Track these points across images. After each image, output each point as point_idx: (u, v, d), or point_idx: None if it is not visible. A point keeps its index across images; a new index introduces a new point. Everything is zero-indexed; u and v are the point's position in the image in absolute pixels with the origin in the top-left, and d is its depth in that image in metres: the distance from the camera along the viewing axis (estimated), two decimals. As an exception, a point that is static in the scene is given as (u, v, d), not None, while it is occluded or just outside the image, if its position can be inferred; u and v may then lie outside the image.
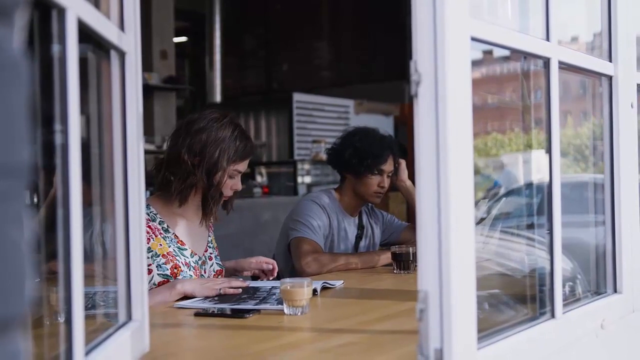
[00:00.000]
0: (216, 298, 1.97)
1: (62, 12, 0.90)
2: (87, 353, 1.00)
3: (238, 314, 1.76)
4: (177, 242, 2.17)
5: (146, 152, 5.18)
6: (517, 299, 1.56)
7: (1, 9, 0.59)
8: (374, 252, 2.78)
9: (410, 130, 1.12)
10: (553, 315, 1.42)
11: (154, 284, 2.07)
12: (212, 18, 8.98)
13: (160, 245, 2.12)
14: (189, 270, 2.16)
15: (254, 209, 5.78)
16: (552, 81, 1.42)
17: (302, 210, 2.74)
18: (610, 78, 1.71)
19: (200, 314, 1.80)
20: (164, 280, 2.09)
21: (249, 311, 1.77)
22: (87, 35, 1.03)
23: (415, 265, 1.10)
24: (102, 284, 1.32)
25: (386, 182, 2.81)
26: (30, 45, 0.88)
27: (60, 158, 0.91)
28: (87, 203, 1.09)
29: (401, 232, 3.00)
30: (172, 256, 2.13)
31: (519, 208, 1.99)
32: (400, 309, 1.85)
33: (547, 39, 1.42)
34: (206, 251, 2.28)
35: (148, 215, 2.13)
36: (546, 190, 1.44)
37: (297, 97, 7.70)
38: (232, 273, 2.34)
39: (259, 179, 7.35)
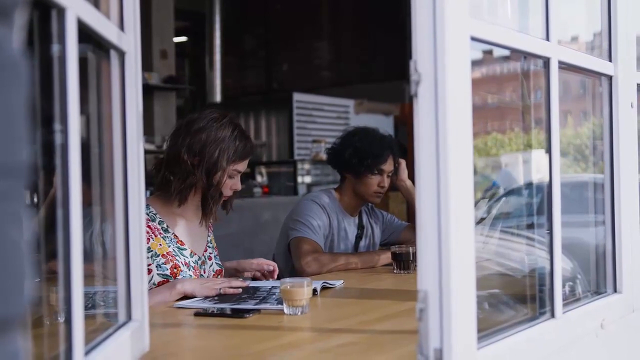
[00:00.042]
0: (216, 298, 1.97)
1: (61, 12, 0.90)
2: (87, 353, 1.00)
3: (238, 313, 1.76)
4: (177, 242, 2.17)
5: (146, 152, 5.20)
6: (517, 298, 1.56)
7: (0, 8, 0.59)
8: (374, 252, 2.78)
9: (411, 130, 1.12)
10: (553, 315, 1.42)
11: (154, 283, 2.07)
12: (212, 18, 8.97)
13: (160, 245, 2.12)
14: (189, 270, 2.16)
15: (254, 209, 5.78)
16: (552, 81, 1.42)
17: (302, 210, 2.74)
18: (610, 78, 1.71)
19: (200, 313, 1.80)
20: (163, 280, 2.09)
21: (248, 311, 1.77)
22: (86, 35, 1.03)
23: (415, 265, 1.10)
24: (102, 284, 1.32)
25: (386, 182, 2.81)
26: (30, 45, 0.88)
27: (60, 158, 0.91)
28: (87, 203, 1.09)
29: (401, 232, 3.00)
30: (171, 256, 2.13)
31: (519, 208, 1.99)
32: (400, 308, 1.85)
33: (547, 38, 1.42)
34: (205, 251, 2.28)
35: (147, 215, 2.13)
36: (546, 190, 1.44)
37: (297, 97, 7.70)
38: (232, 273, 2.34)
39: (259, 178, 7.35)
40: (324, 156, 6.00)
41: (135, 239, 1.28)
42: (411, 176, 2.85)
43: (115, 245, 1.26)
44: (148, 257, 2.07)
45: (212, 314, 1.79)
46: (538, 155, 1.52)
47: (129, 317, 1.28)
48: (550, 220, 1.43)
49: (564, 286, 1.51)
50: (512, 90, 1.76)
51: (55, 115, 0.92)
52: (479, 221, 1.76)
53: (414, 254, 2.44)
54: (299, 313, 1.74)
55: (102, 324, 1.27)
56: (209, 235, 2.32)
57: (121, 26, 1.25)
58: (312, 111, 7.78)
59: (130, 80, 1.27)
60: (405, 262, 2.48)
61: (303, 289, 1.74)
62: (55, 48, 0.92)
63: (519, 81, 1.60)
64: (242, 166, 2.21)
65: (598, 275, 1.76)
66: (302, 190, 7.05)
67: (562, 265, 1.46)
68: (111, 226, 1.27)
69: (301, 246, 2.63)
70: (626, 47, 1.73)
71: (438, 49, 1.07)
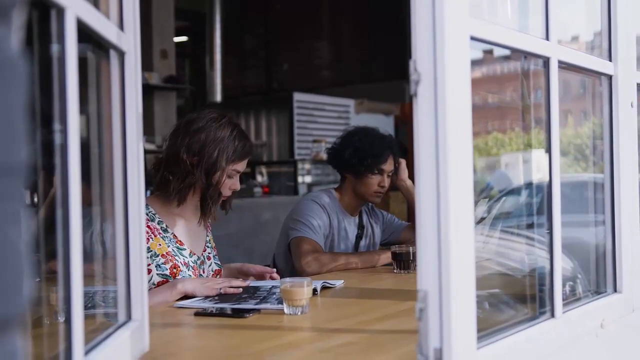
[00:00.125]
0: (216, 297, 1.97)
1: (61, 11, 0.90)
2: (87, 353, 1.00)
3: (238, 313, 1.76)
4: (176, 242, 2.17)
5: (146, 151, 5.20)
6: (517, 298, 1.56)
7: (-1, 8, 0.59)
8: (374, 252, 2.78)
9: (411, 129, 1.12)
10: (553, 315, 1.42)
11: (153, 283, 2.07)
12: (213, 18, 8.97)
13: (160, 245, 2.12)
14: (188, 270, 2.16)
15: (255, 209, 5.78)
16: (551, 80, 1.42)
17: (302, 210, 2.74)
18: (610, 77, 1.71)
19: (200, 313, 1.80)
20: (163, 280, 2.09)
21: (248, 311, 1.77)
22: (86, 34, 1.03)
23: (415, 265, 1.09)
24: (102, 284, 1.32)
25: (386, 182, 2.81)
26: (30, 45, 0.88)
27: (60, 158, 0.91)
28: (86, 203, 1.09)
29: (401, 231, 3.00)
30: (171, 256, 2.13)
31: (519, 208, 1.99)
32: (400, 308, 1.85)
33: (547, 38, 1.42)
34: (204, 251, 2.28)
35: (147, 215, 2.13)
36: (546, 190, 1.44)
37: (298, 96, 7.70)
38: (235, 274, 2.34)
39: (259, 178, 7.35)
40: (324, 156, 6.00)
41: (135, 239, 1.28)
42: (411, 176, 2.85)
43: (115, 245, 1.26)
44: (148, 257, 2.07)
45: (212, 314, 1.79)
46: (538, 155, 1.52)
47: (128, 316, 1.28)
48: (550, 220, 1.42)
49: (564, 286, 1.51)
50: (512, 90, 1.76)
51: (54, 115, 0.92)
52: (479, 221, 1.76)
53: (414, 254, 2.44)
54: (299, 313, 1.74)
55: (102, 324, 1.27)
56: (207, 235, 2.32)
57: (121, 26, 1.25)
58: (312, 111, 7.77)
59: (130, 80, 1.27)
60: (405, 261, 2.48)
61: (303, 288, 1.74)
62: (54, 48, 0.92)
63: (519, 81, 1.60)
64: (241, 166, 2.21)
65: (598, 275, 1.76)
66: (302, 190, 7.05)
67: (562, 265, 1.45)
68: (111, 226, 1.27)
69: (301, 246, 2.63)
70: (626, 47, 1.73)
71: (438, 48, 1.07)
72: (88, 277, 1.11)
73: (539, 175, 1.55)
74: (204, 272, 2.25)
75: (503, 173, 1.81)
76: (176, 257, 2.14)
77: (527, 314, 1.46)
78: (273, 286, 2.10)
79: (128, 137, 1.26)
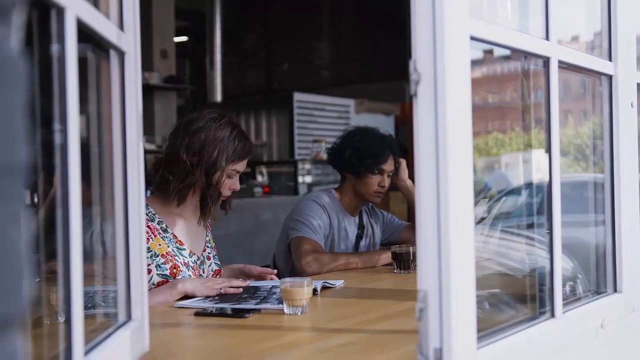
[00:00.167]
0: (217, 297, 1.97)
1: (61, 11, 0.90)
2: (87, 353, 1.00)
3: (238, 313, 1.76)
4: (176, 242, 2.17)
5: (147, 151, 5.20)
6: (517, 298, 1.56)
7: (-1, 8, 0.59)
8: (374, 252, 2.78)
9: (411, 129, 1.12)
10: (553, 315, 1.41)
11: (153, 284, 2.07)
12: (213, 17, 8.97)
13: (160, 245, 2.12)
14: (188, 270, 2.16)
15: (255, 209, 5.78)
16: (551, 80, 1.42)
17: (302, 210, 2.74)
18: (610, 77, 1.71)
19: (200, 313, 1.80)
20: (163, 280, 2.09)
21: (249, 311, 1.77)
22: (86, 34, 1.03)
23: (416, 265, 1.09)
24: (102, 284, 1.32)
25: (386, 182, 2.81)
26: (30, 45, 0.88)
27: (60, 158, 0.91)
28: (86, 203, 1.09)
29: (401, 231, 3.00)
30: (171, 256, 2.13)
31: (519, 207, 1.99)
32: (400, 308, 1.85)
33: (547, 38, 1.42)
34: (204, 251, 2.28)
35: (147, 215, 2.13)
36: (546, 190, 1.44)
37: (298, 96, 7.70)
38: (237, 275, 2.34)
39: (259, 178, 7.35)
40: (324, 156, 6.00)
41: (135, 239, 1.28)
42: (411, 176, 2.85)
43: (115, 245, 1.26)
44: (147, 257, 2.07)
45: (212, 314, 1.79)
46: (538, 155, 1.52)
47: (128, 316, 1.28)
48: (551, 219, 1.42)
49: (564, 286, 1.51)
50: (512, 90, 1.76)
51: (54, 115, 0.92)
52: (479, 221, 1.76)
53: (414, 254, 2.44)
54: (299, 313, 1.74)
55: (102, 324, 1.27)
56: (207, 235, 2.32)
57: (121, 26, 1.25)
58: (312, 111, 7.77)
59: (130, 80, 1.27)
60: (405, 261, 2.48)
61: (303, 288, 1.74)
62: (54, 48, 0.92)
63: (520, 81, 1.60)
64: (241, 166, 2.21)
65: (598, 275, 1.76)
66: (302, 190, 7.05)
67: (562, 265, 1.45)
68: (111, 226, 1.27)
69: (301, 246, 2.63)
70: (626, 47, 1.73)
71: (437, 48, 1.07)
72: (88, 277, 1.11)
73: (539, 175, 1.55)
74: (203, 272, 2.24)
75: (501, 173, 1.81)
76: (176, 257, 2.14)
77: (527, 314, 1.46)
78: (273, 286, 2.10)
79: (128, 137, 1.26)
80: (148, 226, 2.11)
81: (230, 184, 2.19)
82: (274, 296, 1.94)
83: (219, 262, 2.34)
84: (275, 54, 10.40)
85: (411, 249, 2.47)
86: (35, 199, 1.16)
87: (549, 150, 1.43)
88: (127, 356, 1.21)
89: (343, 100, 8.01)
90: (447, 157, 1.07)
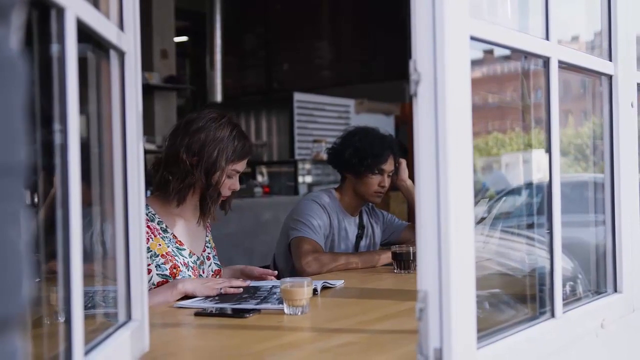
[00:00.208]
0: (217, 298, 1.97)
1: (61, 11, 0.90)
2: (87, 353, 1.00)
3: (238, 313, 1.76)
4: (176, 242, 2.17)
5: (147, 151, 5.20)
6: (517, 298, 1.56)
7: (-1, 8, 0.59)
8: (374, 252, 2.78)
9: (411, 129, 1.12)
10: (553, 315, 1.41)
11: (153, 284, 2.07)
12: (213, 17, 8.97)
13: (159, 245, 2.12)
14: (188, 270, 2.16)
15: (255, 209, 5.78)
16: (551, 80, 1.42)
17: (302, 210, 2.74)
18: (610, 77, 1.71)
19: (200, 313, 1.80)
20: (163, 281, 2.09)
21: (249, 311, 1.77)
22: (86, 35, 1.03)
23: (416, 265, 1.09)
24: (102, 284, 1.32)
25: (386, 182, 2.81)
26: (30, 45, 0.88)
27: (60, 158, 0.91)
28: (86, 203, 1.09)
29: (401, 231, 3.00)
30: (171, 256, 2.13)
31: (519, 208, 1.99)
32: (400, 308, 1.85)
33: (547, 38, 1.42)
34: (204, 251, 2.28)
35: (147, 215, 2.13)
36: (546, 190, 1.44)
37: (298, 96, 7.70)
38: (238, 275, 2.34)
39: (259, 178, 7.35)
40: (324, 156, 6.00)
41: (135, 239, 1.28)
42: (412, 176, 2.85)
43: (115, 245, 1.26)
44: (147, 257, 2.07)
45: (212, 314, 1.79)
46: (538, 155, 1.52)
47: (128, 317, 1.28)
48: (551, 220, 1.42)
49: (564, 286, 1.51)
50: (512, 90, 1.76)
51: (54, 115, 0.92)
52: (479, 221, 1.76)
53: (414, 254, 2.44)
54: (299, 313, 1.74)
55: (102, 324, 1.27)
56: (207, 235, 2.32)
57: (121, 26, 1.25)
58: (312, 111, 7.77)
59: (130, 80, 1.27)
60: (405, 262, 2.48)
61: (303, 288, 1.74)
62: (54, 48, 0.92)
63: (520, 81, 1.60)
64: (241, 166, 2.21)
65: (598, 275, 1.76)
66: (302, 190, 7.05)
67: (562, 265, 1.45)
68: (111, 226, 1.27)
69: (301, 246, 2.63)
70: (626, 47, 1.73)
71: (437, 48, 1.07)
72: (88, 277, 1.11)
73: (539, 175, 1.55)
74: (203, 272, 2.24)
75: (500, 174, 1.81)
76: (176, 258, 2.14)
77: (527, 314, 1.46)
78: (273, 286, 2.10)
79: (128, 137, 1.26)
80: (148, 226, 2.11)
81: (230, 184, 2.19)
82: (274, 296, 1.94)
83: (218, 263, 2.34)
84: (275, 54, 10.40)
85: (411, 249, 2.47)
86: (35, 199, 1.16)
87: (549, 150, 1.43)
88: (127, 356, 1.21)
89: (343, 100, 8.01)
90: (447, 157, 1.07)
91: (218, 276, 2.29)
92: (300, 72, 9.99)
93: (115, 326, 1.23)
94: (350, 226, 2.88)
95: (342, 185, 2.89)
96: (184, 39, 10.25)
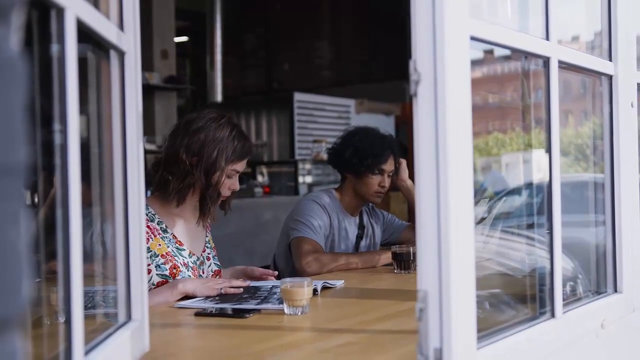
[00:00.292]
0: (217, 298, 1.97)
1: (61, 11, 0.90)
2: (87, 353, 1.00)
3: (238, 313, 1.76)
4: (176, 242, 2.17)
5: (147, 152, 5.20)
6: (517, 298, 1.56)
7: (-1, 9, 0.59)
8: (374, 252, 2.78)
9: (411, 129, 1.12)
10: (553, 315, 1.41)
11: (153, 284, 2.07)
12: (213, 18, 8.97)
13: (159, 245, 2.12)
14: (187, 270, 2.16)
15: (255, 209, 5.78)
16: (551, 80, 1.42)
17: (302, 210, 2.74)
18: (610, 77, 1.71)
19: (200, 313, 1.80)
20: (163, 281, 2.08)
21: (249, 311, 1.76)
22: (86, 35, 1.03)
23: (416, 265, 1.10)
24: (102, 284, 1.32)
25: (387, 182, 2.81)
26: (30, 45, 0.88)
27: (60, 158, 0.91)
28: (86, 203, 1.09)
29: (402, 231, 3.00)
30: (170, 256, 2.13)
31: (519, 208, 1.99)
32: (400, 308, 1.85)
33: (547, 38, 1.42)
34: (204, 251, 2.28)
35: (146, 215, 2.12)
36: (546, 190, 1.44)
37: (298, 96, 7.70)
38: (239, 276, 2.33)
39: (260, 178, 7.35)
40: (324, 156, 6.00)
41: (135, 239, 1.28)
42: (412, 176, 2.85)
43: (115, 245, 1.26)
44: (147, 257, 2.07)
45: (212, 314, 1.79)
46: (539, 155, 1.52)
47: (129, 317, 1.28)
48: (551, 220, 1.42)
49: (564, 286, 1.51)
50: (512, 90, 1.76)
51: (54, 115, 0.92)
52: (480, 221, 1.76)
53: (415, 254, 2.44)
54: (299, 313, 1.74)
55: (102, 324, 1.27)
56: (207, 236, 2.32)
57: (121, 26, 1.25)
58: (312, 111, 7.77)
59: (130, 80, 1.27)
60: (405, 262, 2.48)
61: (303, 289, 1.74)
62: (54, 48, 0.92)
63: (520, 81, 1.60)
64: (241, 166, 2.21)
65: (598, 275, 1.76)
66: (303, 190, 7.05)
67: (562, 265, 1.45)
68: (111, 226, 1.27)
69: (302, 246, 2.63)
70: (626, 47, 1.73)
71: (437, 48, 1.07)
72: (88, 277, 1.11)
73: (539, 175, 1.55)
74: (203, 272, 2.24)
75: (497, 174, 1.81)
76: (176, 258, 2.14)
77: (528, 314, 1.46)
78: (274, 286, 2.10)
79: (128, 137, 1.26)
80: (148, 226, 2.10)
81: (229, 184, 2.19)
82: (275, 296, 1.94)
83: (218, 263, 2.34)
84: (275, 54, 10.40)
85: (411, 249, 2.47)
86: (36, 199, 1.16)
87: (549, 150, 1.43)
88: (127, 356, 1.21)
89: (343, 101, 8.01)
90: (447, 157, 1.07)
91: (218, 276, 2.29)
92: (300, 72, 9.99)
93: (115, 326, 1.23)
94: (351, 226, 2.88)
95: (342, 185, 2.89)
96: (184, 39, 10.25)
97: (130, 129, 1.27)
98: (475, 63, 1.18)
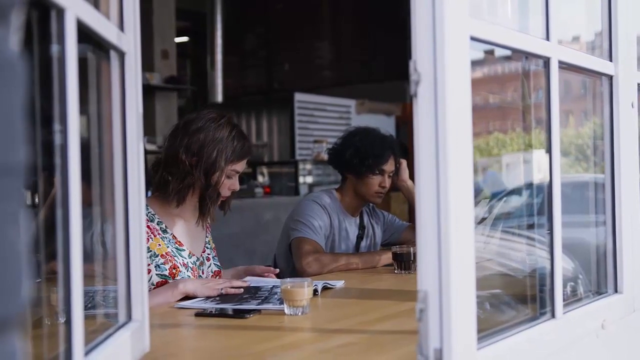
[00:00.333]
0: (218, 298, 1.97)
1: (61, 12, 0.90)
2: (87, 353, 1.00)
3: (238, 314, 1.75)
4: (175, 242, 2.17)
5: (147, 152, 5.21)
6: (517, 298, 1.56)
7: (-1, 9, 0.59)
8: (374, 252, 2.78)
9: (411, 130, 1.12)
10: (553, 315, 1.41)
11: (153, 284, 2.07)
12: (213, 18, 8.97)
13: (159, 245, 2.12)
14: (187, 271, 2.16)
15: (256, 209, 5.78)
16: (552, 81, 1.42)
17: (303, 210, 2.74)
18: (610, 77, 1.71)
19: (201, 314, 1.80)
20: (162, 281, 2.08)
21: (249, 311, 1.76)
22: (86, 35, 1.03)
23: (416, 266, 1.10)
24: (102, 284, 1.32)
25: (387, 182, 2.81)
26: (30, 45, 0.88)
27: (60, 158, 0.91)
28: (87, 203, 1.09)
29: (402, 232, 3.00)
30: (170, 256, 2.13)
31: (519, 208, 1.99)
32: (401, 309, 1.85)
33: (547, 38, 1.42)
34: (204, 252, 2.28)
35: (146, 215, 2.12)
36: (547, 190, 1.44)
37: (299, 96, 7.70)
38: (241, 276, 2.33)
39: (260, 179, 7.35)
40: (325, 156, 6.00)
41: (135, 239, 1.28)
42: (412, 176, 2.85)
43: (115, 245, 1.26)
44: (147, 257, 2.07)
45: (212, 315, 1.79)
46: (539, 155, 1.52)
47: (129, 317, 1.28)
48: (551, 220, 1.42)
49: (565, 286, 1.51)
50: (513, 90, 1.76)
51: (55, 115, 0.92)
52: (480, 221, 1.76)
53: (415, 254, 2.43)
54: (300, 313, 1.74)
55: (102, 324, 1.27)
56: (207, 236, 2.32)
57: (121, 26, 1.25)
58: (313, 111, 7.77)
59: (130, 81, 1.27)
60: (406, 262, 2.48)
61: (303, 289, 1.74)
62: (54, 48, 0.92)
63: (520, 81, 1.60)
64: (241, 166, 2.21)
65: (599, 276, 1.76)
66: (303, 190, 7.05)
67: (563, 265, 1.45)
68: (111, 226, 1.27)
69: (302, 246, 2.63)
70: (626, 47, 1.73)
71: (437, 49, 1.07)
72: (88, 277, 1.11)
73: (539, 175, 1.55)
74: (203, 273, 2.24)
75: (494, 174, 1.81)
76: (175, 258, 2.14)
77: (528, 314, 1.46)
78: (274, 286, 2.10)
79: (128, 137, 1.26)
80: (148, 226, 2.10)
81: (229, 185, 2.19)
82: (275, 296, 1.94)
83: (218, 263, 2.34)
84: (275, 54, 10.40)
85: (412, 249, 2.47)
86: (36, 200, 1.16)
87: (549, 150, 1.42)
88: (128, 357, 1.21)
89: (344, 101, 8.01)
90: (447, 157, 1.07)
91: (218, 277, 2.29)
92: (300, 72, 9.99)
93: (115, 327, 1.23)
94: (351, 227, 2.87)
95: (342, 185, 2.89)
96: (184, 39, 10.26)
97: (130, 129, 1.27)
98: (475, 63, 1.18)
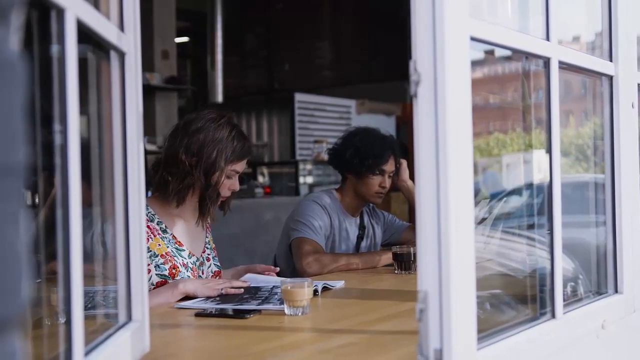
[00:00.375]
0: (218, 298, 1.97)
1: (61, 12, 0.90)
2: (87, 353, 1.00)
3: (238, 314, 1.75)
4: (175, 242, 2.17)
5: (148, 152, 5.21)
6: (518, 299, 1.56)
7: (-1, 9, 0.59)
8: (375, 253, 2.78)
9: (412, 130, 1.12)
10: (553, 316, 1.41)
11: (152, 284, 2.07)
12: (214, 18, 8.97)
13: (159, 245, 2.12)
14: (187, 271, 2.16)
15: (256, 209, 5.78)
16: (552, 81, 1.42)
17: (303, 211, 2.74)
18: (610, 78, 1.71)
19: (201, 314, 1.80)
20: (162, 281, 2.08)
21: (249, 311, 1.76)
22: (86, 35, 1.03)
23: (416, 266, 1.10)
24: (102, 284, 1.32)
25: (387, 182, 2.81)
26: (30, 45, 0.88)
27: (60, 159, 0.91)
28: (87, 203, 1.09)
29: (402, 232, 3.00)
30: (170, 257, 2.13)
31: (520, 208, 1.99)
32: (401, 309, 1.85)
33: (547, 38, 1.42)
34: (204, 252, 2.28)
35: (146, 215, 2.12)
36: (547, 190, 1.44)
37: (299, 97, 7.70)
38: (242, 275, 2.33)
39: (260, 179, 7.35)
40: (325, 156, 6.00)
41: (135, 239, 1.28)
42: (412, 176, 2.85)
43: (115, 245, 1.26)
44: (147, 258, 2.06)
45: (212, 315, 1.79)
46: (539, 155, 1.52)
47: (129, 317, 1.28)
48: (551, 220, 1.42)
49: (565, 286, 1.51)
50: (513, 90, 1.76)
51: (55, 115, 0.92)
52: (480, 221, 1.76)
53: (415, 255, 2.43)
54: (300, 314, 1.74)
55: (102, 325, 1.27)
56: (207, 237, 2.32)
57: (121, 27, 1.25)
58: (313, 111, 7.77)
59: (130, 81, 1.27)
60: (406, 262, 2.48)
61: (304, 289, 1.74)
62: (54, 48, 0.92)
63: (520, 81, 1.60)
64: (240, 166, 2.21)
65: (599, 276, 1.76)
66: (303, 190, 7.05)
67: (563, 265, 1.45)
68: (111, 226, 1.27)
69: (302, 247, 2.63)
70: (627, 47, 1.73)
71: (437, 49, 1.07)
72: (89, 277, 1.11)
73: (540, 175, 1.55)
74: (203, 273, 2.24)
75: (492, 174, 1.81)
76: (175, 258, 2.14)
77: (528, 314, 1.46)
78: (274, 286, 2.10)
79: (128, 137, 1.26)
80: (148, 226, 2.10)
81: (229, 185, 2.19)
82: (275, 297, 1.94)
83: (218, 264, 2.34)
84: (276, 54, 10.40)
85: (412, 249, 2.47)
86: (36, 200, 1.16)
87: (549, 150, 1.42)
88: (128, 357, 1.21)
89: (344, 101, 8.01)
90: (447, 158, 1.07)
91: (218, 277, 2.29)
92: (301, 72, 9.99)
93: (115, 327, 1.23)
94: (351, 227, 2.87)
95: (342, 185, 2.89)
96: (184, 39, 10.26)
97: (130, 129, 1.27)
98: (475, 63, 1.18)
